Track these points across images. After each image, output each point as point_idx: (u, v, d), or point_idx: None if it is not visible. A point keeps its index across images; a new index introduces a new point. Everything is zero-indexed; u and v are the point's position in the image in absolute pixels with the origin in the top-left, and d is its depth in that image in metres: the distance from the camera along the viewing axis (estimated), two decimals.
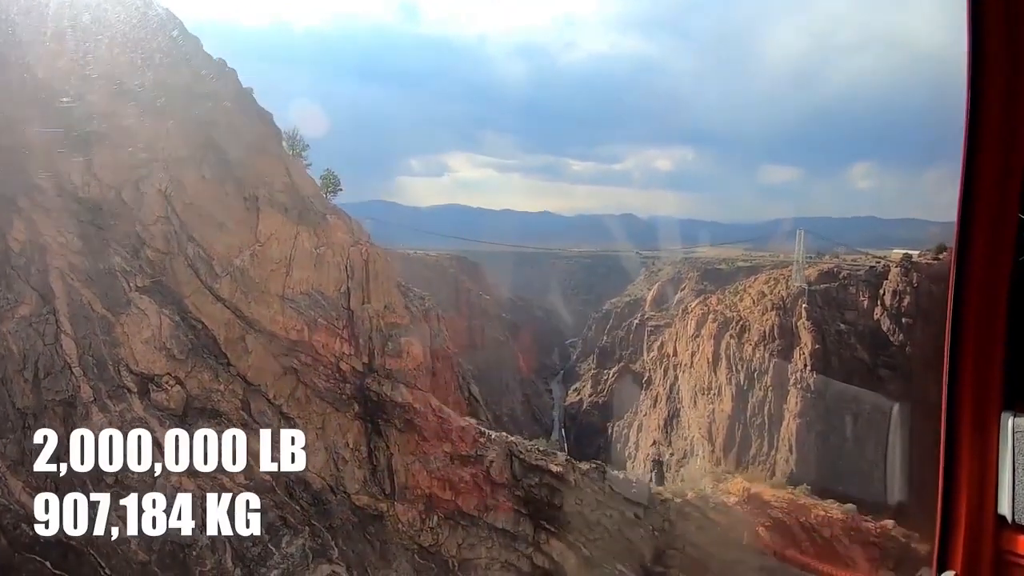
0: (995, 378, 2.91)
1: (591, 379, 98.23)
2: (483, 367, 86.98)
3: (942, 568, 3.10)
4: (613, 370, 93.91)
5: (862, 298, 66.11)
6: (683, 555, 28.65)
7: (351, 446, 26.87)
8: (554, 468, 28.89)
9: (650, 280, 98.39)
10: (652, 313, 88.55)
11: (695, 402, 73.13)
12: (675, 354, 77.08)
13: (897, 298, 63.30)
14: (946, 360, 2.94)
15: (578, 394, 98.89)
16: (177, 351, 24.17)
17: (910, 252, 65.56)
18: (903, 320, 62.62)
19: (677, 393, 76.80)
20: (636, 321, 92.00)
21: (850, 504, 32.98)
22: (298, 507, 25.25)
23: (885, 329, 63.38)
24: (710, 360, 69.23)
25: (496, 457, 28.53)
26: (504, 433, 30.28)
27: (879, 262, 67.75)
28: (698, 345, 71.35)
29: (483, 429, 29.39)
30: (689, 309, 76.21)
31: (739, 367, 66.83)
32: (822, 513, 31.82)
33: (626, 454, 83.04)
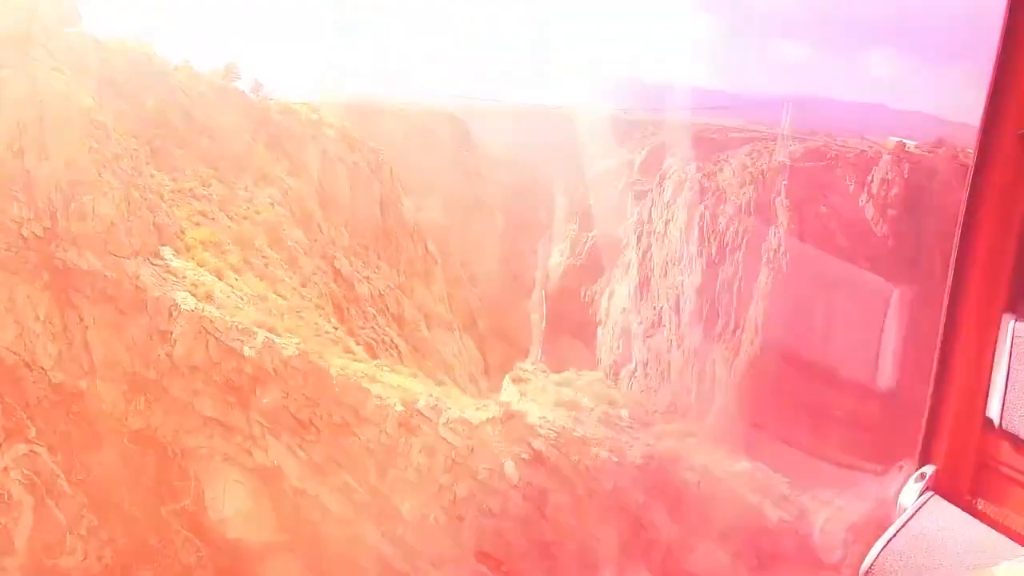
0: (1003, 278, 2.87)
1: (571, 241, 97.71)
2: (458, 223, 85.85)
3: (924, 462, 3.15)
4: (592, 233, 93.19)
5: (848, 182, 63.72)
6: (405, 479, 24.87)
7: (43, 319, 25.34)
8: (247, 352, 25.59)
9: (642, 143, 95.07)
10: (638, 177, 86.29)
11: (665, 272, 72.78)
12: (649, 220, 75.76)
13: (885, 187, 60.95)
14: (954, 253, 2.90)
15: (561, 255, 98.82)
16: None
17: (905, 141, 62.19)
18: (888, 211, 60.49)
19: (649, 261, 76.30)
20: (621, 184, 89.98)
21: (669, 440, 26.11)
22: None
23: (869, 218, 61.36)
24: (683, 230, 67.92)
25: (182, 335, 25.65)
26: (203, 305, 26.93)
27: (871, 147, 64.49)
28: (672, 213, 69.85)
29: (177, 301, 26.35)
30: (667, 175, 73.94)
31: (712, 239, 65.63)
32: (605, 455, 24.40)
33: (597, 320, 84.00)
